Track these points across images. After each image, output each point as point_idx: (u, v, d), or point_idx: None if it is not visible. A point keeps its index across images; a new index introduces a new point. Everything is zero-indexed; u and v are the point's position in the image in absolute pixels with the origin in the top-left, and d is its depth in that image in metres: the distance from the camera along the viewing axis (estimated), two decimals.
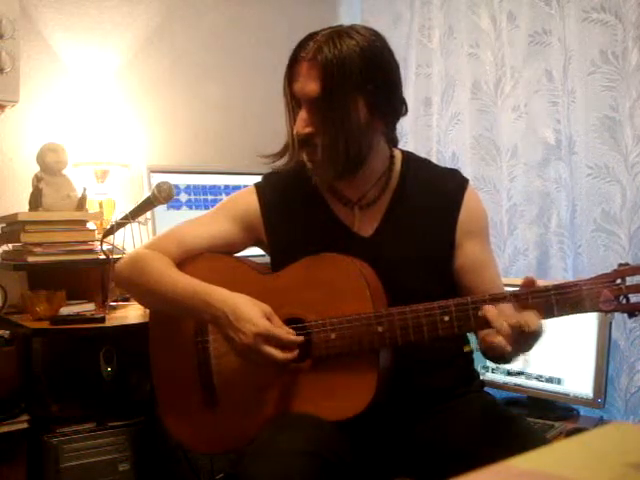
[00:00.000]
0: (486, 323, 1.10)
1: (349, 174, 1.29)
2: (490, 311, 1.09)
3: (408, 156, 1.39)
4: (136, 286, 1.39)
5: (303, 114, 1.24)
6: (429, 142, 2.45)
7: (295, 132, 1.25)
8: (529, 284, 1.11)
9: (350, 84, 1.21)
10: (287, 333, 1.20)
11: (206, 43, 2.57)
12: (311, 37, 1.24)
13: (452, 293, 1.32)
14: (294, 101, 1.27)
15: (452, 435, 1.23)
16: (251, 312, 1.20)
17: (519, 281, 1.14)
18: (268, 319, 1.20)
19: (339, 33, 1.23)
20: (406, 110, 1.32)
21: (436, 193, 1.35)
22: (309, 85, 1.22)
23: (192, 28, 2.54)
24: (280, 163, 1.33)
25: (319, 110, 1.23)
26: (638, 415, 1.89)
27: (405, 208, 1.34)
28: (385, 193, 1.35)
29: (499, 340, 1.08)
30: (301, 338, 1.21)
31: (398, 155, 1.38)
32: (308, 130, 1.24)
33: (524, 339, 1.08)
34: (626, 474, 0.45)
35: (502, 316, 1.08)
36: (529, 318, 1.06)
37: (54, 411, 1.86)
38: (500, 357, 1.19)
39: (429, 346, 1.24)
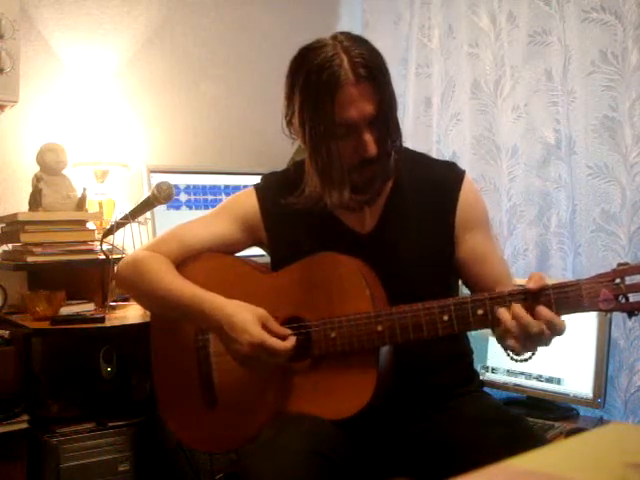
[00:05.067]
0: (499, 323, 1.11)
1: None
2: (503, 314, 1.10)
3: (403, 152, 1.39)
4: (135, 289, 1.40)
5: (369, 136, 1.21)
6: (429, 142, 2.44)
7: (369, 155, 1.22)
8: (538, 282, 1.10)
9: (393, 93, 1.26)
10: (280, 340, 1.20)
11: (206, 43, 2.57)
12: (333, 58, 1.20)
13: (453, 289, 1.33)
14: (340, 128, 1.21)
15: (452, 435, 1.23)
16: (245, 321, 1.19)
17: (519, 281, 1.14)
18: (264, 324, 1.21)
19: (357, 40, 1.23)
20: None
21: (433, 187, 1.34)
22: (368, 106, 1.20)
23: (192, 28, 2.54)
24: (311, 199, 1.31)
25: (378, 128, 1.22)
26: (638, 415, 1.89)
27: (403, 204, 1.34)
28: (382, 191, 1.35)
29: (511, 342, 1.10)
30: (293, 341, 1.21)
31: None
32: (377, 150, 1.23)
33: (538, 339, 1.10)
34: (626, 474, 0.45)
35: (516, 319, 1.09)
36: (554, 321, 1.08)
37: (54, 411, 1.86)
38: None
39: (428, 346, 1.24)
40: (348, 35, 1.24)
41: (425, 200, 1.34)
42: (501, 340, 1.16)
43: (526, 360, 1.19)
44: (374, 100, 1.21)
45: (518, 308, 1.09)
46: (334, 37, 1.23)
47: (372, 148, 1.22)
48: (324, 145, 1.23)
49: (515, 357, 1.19)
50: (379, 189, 1.30)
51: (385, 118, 1.23)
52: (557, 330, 1.09)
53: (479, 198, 1.39)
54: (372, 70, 1.20)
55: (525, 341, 1.09)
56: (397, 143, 1.28)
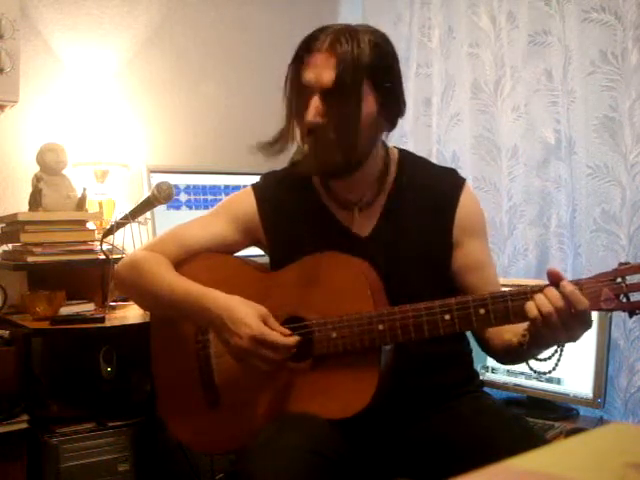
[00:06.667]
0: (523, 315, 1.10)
1: (347, 172, 1.28)
2: (539, 296, 1.10)
3: (404, 155, 1.38)
4: (134, 289, 1.40)
5: (316, 102, 1.22)
6: (429, 142, 2.44)
7: (306, 120, 1.22)
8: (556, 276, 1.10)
9: (363, 77, 1.22)
10: (282, 335, 1.19)
11: (206, 43, 2.57)
12: (323, 30, 1.23)
13: (451, 293, 1.32)
14: (302, 91, 1.24)
15: (451, 435, 1.23)
16: (247, 315, 1.20)
17: (519, 281, 1.14)
18: (264, 321, 1.20)
19: (354, 28, 1.24)
20: (404, 111, 1.32)
21: (432, 193, 1.34)
22: (325, 74, 1.21)
23: (192, 28, 2.54)
24: (273, 152, 1.30)
25: (331, 100, 1.22)
26: (638, 415, 1.89)
27: (402, 208, 1.34)
28: (381, 193, 1.34)
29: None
30: (297, 338, 1.21)
31: (394, 154, 1.38)
32: (319, 119, 1.22)
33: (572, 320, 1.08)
34: (626, 474, 0.45)
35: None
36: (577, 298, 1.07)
37: (54, 411, 1.86)
38: (521, 352, 1.21)
39: (428, 346, 1.24)
40: (368, 25, 1.28)
41: (424, 204, 1.33)
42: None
43: (548, 372, 1.20)
44: (336, 72, 1.20)
45: (549, 290, 1.09)
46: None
47: (312, 114, 1.22)
48: (290, 102, 1.26)
49: (537, 368, 1.19)
50: (319, 171, 1.30)
51: (346, 98, 1.21)
52: (583, 310, 1.07)
53: (478, 207, 1.39)
54: (346, 47, 1.20)
55: (561, 324, 1.08)
56: (357, 131, 1.23)
